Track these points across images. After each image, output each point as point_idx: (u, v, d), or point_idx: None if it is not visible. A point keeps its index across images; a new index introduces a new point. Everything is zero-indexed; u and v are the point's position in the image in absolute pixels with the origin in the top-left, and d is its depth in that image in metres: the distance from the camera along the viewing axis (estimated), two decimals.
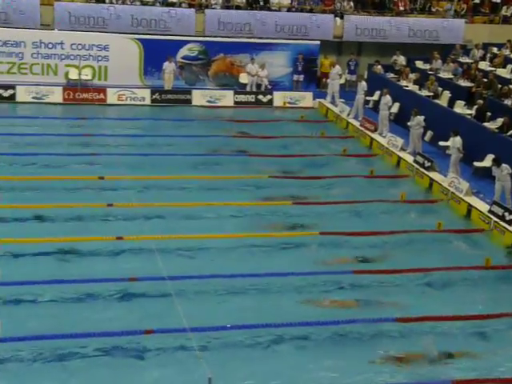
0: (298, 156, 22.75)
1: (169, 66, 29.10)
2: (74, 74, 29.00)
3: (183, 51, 30.49)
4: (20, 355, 11.13)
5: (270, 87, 30.59)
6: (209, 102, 29.31)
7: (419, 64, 30.82)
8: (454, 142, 20.48)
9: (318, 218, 17.68)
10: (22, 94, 27.51)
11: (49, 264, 14.41)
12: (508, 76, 27.74)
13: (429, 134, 23.89)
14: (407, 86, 27.70)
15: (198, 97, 29.28)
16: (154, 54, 29.44)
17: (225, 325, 12.13)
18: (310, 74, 31.71)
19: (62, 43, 29.02)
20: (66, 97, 27.96)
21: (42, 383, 10.62)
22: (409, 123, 23.11)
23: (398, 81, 28.78)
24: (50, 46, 28.92)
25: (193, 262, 15.02)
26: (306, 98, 30.25)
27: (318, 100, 29.95)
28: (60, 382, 10.64)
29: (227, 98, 29.59)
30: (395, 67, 30.57)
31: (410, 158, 22.13)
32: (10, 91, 27.47)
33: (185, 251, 15.37)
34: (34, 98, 27.54)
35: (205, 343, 11.47)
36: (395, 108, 26.52)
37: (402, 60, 30.99)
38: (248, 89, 30.29)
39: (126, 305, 13.02)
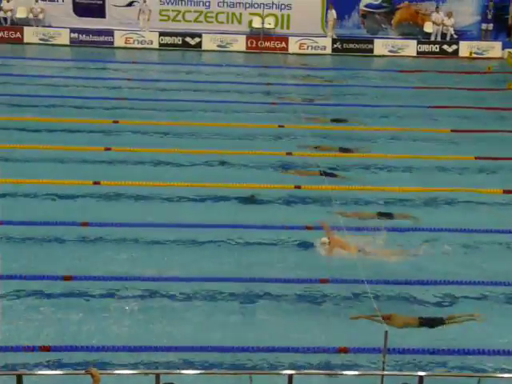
0: (483, 109, 21.70)
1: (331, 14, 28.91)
2: (257, 23, 29.44)
3: None
4: (204, 295, 11.76)
5: (456, 37, 29.26)
6: (390, 51, 28.69)
7: None
8: None
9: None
10: (208, 42, 28.41)
11: (229, 209, 14.93)
12: None
13: None
14: None
15: (380, 46, 28.71)
16: (338, 2, 29.12)
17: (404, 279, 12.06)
18: (500, 23, 29.89)
19: None
20: (249, 45, 28.53)
21: (228, 318, 11.17)
22: None
23: None
24: None
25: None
26: (495, 48, 28.72)
27: (507, 50, 28.26)
28: (242, 320, 11.13)
29: (410, 47, 28.76)
30: None
31: None
32: (197, 39, 28.45)
33: (360, 201, 15.34)
34: (218, 46, 28.37)
35: (380, 295, 11.46)
36: None
37: None
38: (432, 38, 29.18)
39: (302, 253, 13.20)
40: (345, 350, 10.04)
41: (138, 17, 28.48)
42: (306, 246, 13.37)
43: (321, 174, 15.55)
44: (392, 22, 30.12)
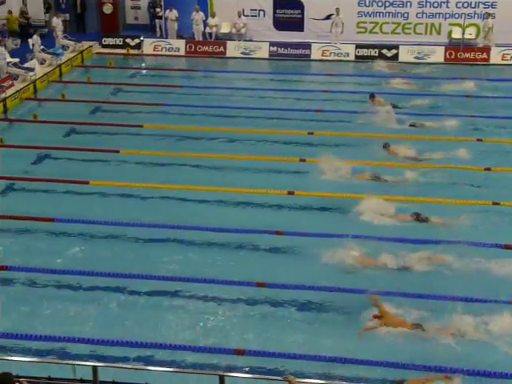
0: None
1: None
2: (457, 33, 28.63)
3: None
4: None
5: None
6: None
7: None
8: None
9: None
10: (405, 54, 28.03)
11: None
12: None
13: None
14: None
15: None
16: None
17: None
18: None
19: (447, 2, 28.77)
20: (448, 56, 27.78)
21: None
22: None
23: None
24: (436, 5, 28.86)
25: None
26: None
27: None
28: None
29: None
30: None
31: None
32: (393, 51, 28.18)
33: None
34: (415, 57, 27.91)
35: None
36: None
37: None
38: None
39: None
40: None
41: (331, 30, 28.78)
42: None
43: None
44: None
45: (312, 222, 14.84)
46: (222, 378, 7.47)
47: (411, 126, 20.13)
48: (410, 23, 29.24)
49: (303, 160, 17.80)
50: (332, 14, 29.04)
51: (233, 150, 18.70)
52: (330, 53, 28.55)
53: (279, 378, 7.46)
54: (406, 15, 29.20)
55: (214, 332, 11.24)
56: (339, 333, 11.13)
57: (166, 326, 11.39)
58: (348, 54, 28.48)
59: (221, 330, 11.31)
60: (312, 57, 28.65)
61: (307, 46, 28.80)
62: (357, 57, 28.42)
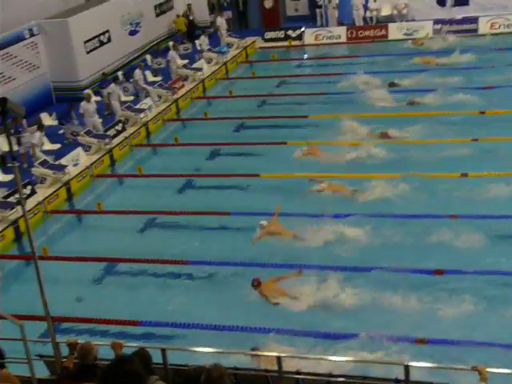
0: None
1: None
2: None
3: None
4: None
5: None
6: None
7: None
8: None
9: None
10: None
11: None
12: None
13: None
14: None
15: None
16: None
17: None
18: None
19: None
20: None
21: None
22: None
23: None
24: None
25: None
26: None
27: None
28: None
29: None
30: None
31: None
32: None
33: None
34: None
35: None
36: None
37: None
38: None
39: None
40: None
41: None
42: None
43: None
44: None
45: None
46: (406, 368, 7.24)
47: None
48: None
49: (475, 139, 17.19)
50: None
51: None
52: (500, 25, 27.03)
53: (467, 367, 7.10)
54: None
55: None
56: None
57: None
58: None
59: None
60: (479, 31, 27.26)
61: (474, 20, 27.47)
62: None
